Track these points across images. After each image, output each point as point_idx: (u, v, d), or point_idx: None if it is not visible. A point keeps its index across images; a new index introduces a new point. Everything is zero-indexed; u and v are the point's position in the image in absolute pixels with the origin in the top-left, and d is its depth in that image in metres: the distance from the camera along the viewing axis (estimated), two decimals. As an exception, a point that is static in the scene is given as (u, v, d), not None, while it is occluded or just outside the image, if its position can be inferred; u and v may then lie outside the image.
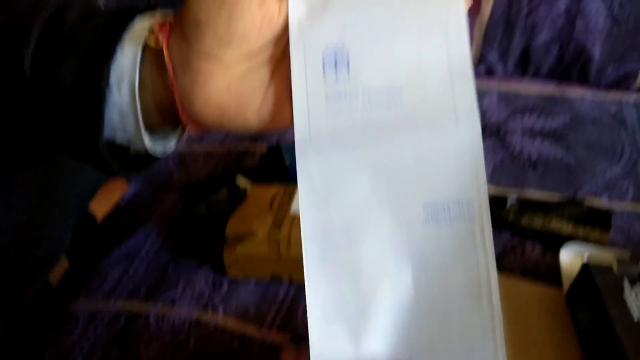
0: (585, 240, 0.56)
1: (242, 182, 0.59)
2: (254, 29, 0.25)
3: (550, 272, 0.55)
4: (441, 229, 0.26)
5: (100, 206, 0.67)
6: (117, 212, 0.67)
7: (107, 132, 0.27)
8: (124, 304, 0.55)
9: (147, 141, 0.28)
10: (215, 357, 0.49)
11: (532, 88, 0.83)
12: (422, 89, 0.26)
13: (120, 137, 0.28)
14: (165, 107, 0.27)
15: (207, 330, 0.51)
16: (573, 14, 0.78)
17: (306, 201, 0.26)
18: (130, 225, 0.64)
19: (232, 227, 0.53)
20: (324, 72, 0.26)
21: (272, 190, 0.56)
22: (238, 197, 0.60)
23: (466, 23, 0.27)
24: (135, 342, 0.51)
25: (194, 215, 0.61)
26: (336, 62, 0.27)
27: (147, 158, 0.30)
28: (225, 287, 0.55)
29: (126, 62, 0.26)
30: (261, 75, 0.27)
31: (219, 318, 0.52)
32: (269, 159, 0.64)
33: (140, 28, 0.26)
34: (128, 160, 0.29)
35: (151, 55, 0.26)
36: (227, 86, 0.26)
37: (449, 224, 0.26)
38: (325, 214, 0.26)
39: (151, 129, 0.28)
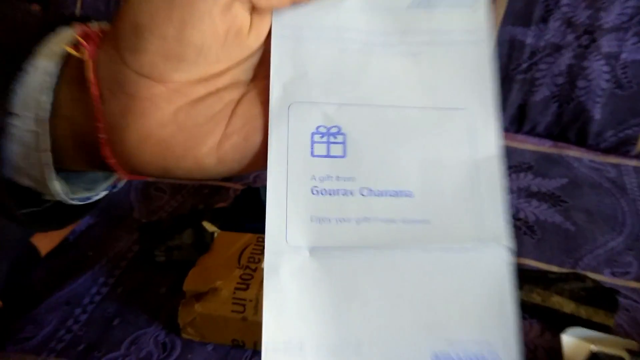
0: (589, 320, 0.51)
1: (209, 227, 0.52)
2: (215, 43, 0.19)
3: (549, 356, 0.49)
4: None
5: (46, 238, 0.59)
6: (64, 246, 0.59)
7: (7, 172, 0.20)
8: (56, 361, 0.47)
9: (58, 187, 0.21)
10: None
11: (527, 145, 0.79)
12: (437, 197, 0.20)
13: (24, 180, 0.21)
14: (87, 143, 0.20)
15: (150, 403, 0.43)
16: (575, 72, 0.75)
17: (270, 329, 0.19)
18: (77, 264, 0.56)
19: (192, 281, 0.46)
20: (311, 155, 0.20)
21: (242, 240, 0.50)
22: (204, 243, 0.53)
23: (495, 116, 0.21)
24: (64, 410, 0.43)
25: (150, 260, 0.54)
26: (329, 146, 0.20)
27: (71, 208, 0.23)
28: (177, 350, 0.47)
29: (36, 81, 0.19)
30: (223, 103, 0.20)
31: (167, 388, 0.44)
32: (242, 201, 0.58)
33: (62, 39, 0.20)
34: (43, 209, 0.23)
35: (72, 73, 0.20)
36: (174, 116, 0.20)
37: None
38: (291, 349, 0.19)
39: (70, 171, 0.22)
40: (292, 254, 0.19)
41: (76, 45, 0.20)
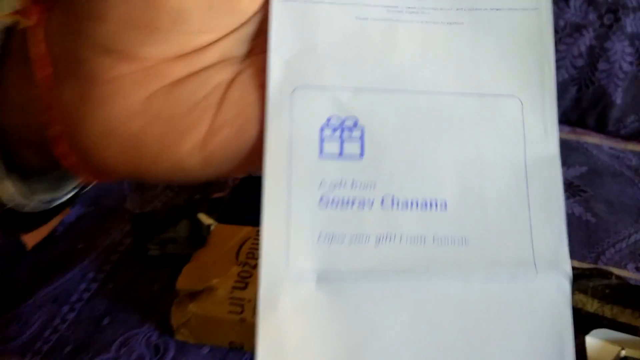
0: (614, 320, 0.47)
1: (205, 220, 0.49)
2: (198, 6, 0.15)
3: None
4: None
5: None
6: (52, 239, 0.56)
7: None
8: (41, 362, 0.44)
9: (11, 189, 0.18)
10: None
11: (543, 131, 0.75)
12: (478, 209, 0.16)
13: None
14: (40, 137, 0.17)
15: (141, 410, 0.40)
16: (596, 54, 0.71)
17: None
18: (65, 258, 0.53)
19: (186, 279, 0.42)
20: (320, 155, 0.16)
21: (241, 234, 0.46)
22: (200, 237, 0.49)
23: (554, 105, 0.17)
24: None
25: (143, 254, 0.50)
26: (343, 143, 0.16)
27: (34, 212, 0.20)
28: (171, 352, 0.44)
29: None
30: (210, 86, 0.16)
31: (159, 394, 0.41)
32: (241, 191, 0.54)
33: (4, 5, 0.16)
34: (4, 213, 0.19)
35: (19, 47, 0.16)
36: (146, 104, 0.16)
37: None
38: None
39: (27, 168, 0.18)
40: (294, 283, 0.15)
41: (22, 11, 0.16)
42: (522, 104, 0.17)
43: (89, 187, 0.21)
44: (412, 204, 0.16)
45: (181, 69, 0.16)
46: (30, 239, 0.55)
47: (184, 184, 0.48)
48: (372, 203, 0.16)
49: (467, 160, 0.16)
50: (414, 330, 0.15)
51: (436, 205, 0.16)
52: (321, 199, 0.16)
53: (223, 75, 0.17)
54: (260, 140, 0.16)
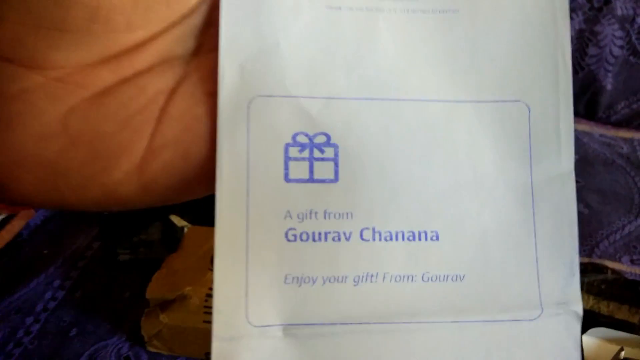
0: (610, 318, 0.45)
1: (178, 222, 0.46)
2: None
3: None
4: None
5: (-4, 235, 0.52)
6: (16, 244, 0.52)
7: None
8: (3, 380, 0.41)
9: None
10: None
11: (532, 119, 0.73)
12: (475, 239, 0.14)
13: None
14: None
15: None
16: (585, 38, 0.68)
17: None
18: (30, 265, 0.50)
19: (157, 287, 0.39)
20: (286, 180, 0.13)
21: (216, 236, 0.43)
22: (173, 239, 0.46)
23: (571, 112, 0.15)
24: None
25: (113, 259, 0.47)
26: (312, 165, 0.13)
27: None
28: (143, 366, 0.41)
29: None
30: (146, 96, 0.13)
31: (130, 412, 0.38)
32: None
33: None
34: None
35: None
36: (64, 123, 0.13)
37: None
38: None
39: None
40: (256, 339, 0.13)
41: None
42: (529, 110, 0.14)
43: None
44: (396, 236, 0.13)
45: (107, 77, 0.13)
46: (-7, 245, 0.52)
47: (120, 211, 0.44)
48: (350, 236, 0.13)
49: (462, 183, 0.14)
50: None
51: (426, 237, 0.13)
52: (287, 234, 0.13)
53: (162, 81, 0.14)
54: (211, 163, 0.13)
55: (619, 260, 0.52)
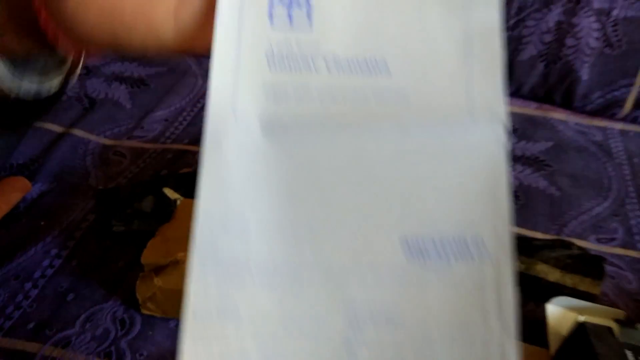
0: (574, 290, 0.48)
1: (171, 194, 0.48)
2: None
3: (532, 325, 0.47)
4: (428, 273, 0.16)
5: (-6, 207, 0.54)
6: (14, 216, 0.54)
7: None
8: (3, 340, 0.43)
9: (1, 68, 0.19)
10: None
11: (511, 107, 0.75)
12: (419, 67, 0.17)
13: None
14: (25, 13, 0.18)
15: (106, 385, 0.39)
16: (563, 29, 0.71)
17: (208, 201, 0.16)
18: (27, 235, 0.52)
19: (151, 253, 0.42)
20: (270, 13, 0.16)
21: (207, 208, 0.45)
22: (166, 211, 0.48)
23: None
24: (12, 392, 0.39)
25: (108, 230, 0.49)
26: (291, 1, 0.16)
27: (20, 104, 0.20)
28: (137, 327, 0.43)
29: None
30: None
31: (125, 369, 0.40)
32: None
33: None
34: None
35: None
36: None
37: (444, 268, 0.16)
38: (230, 237, 0.16)
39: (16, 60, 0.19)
40: (239, 127, 0.16)
41: None
42: None
43: (74, 78, 0.21)
44: (354, 63, 0.16)
45: None
46: (-9, 216, 0.54)
47: (158, 57, 0.46)
48: (315, 61, 0.16)
49: (411, 24, 0.17)
50: (352, 174, 0.16)
51: (378, 64, 0.16)
52: (268, 55, 0.16)
53: None
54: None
55: (587, 239, 0.56)
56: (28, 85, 0.20)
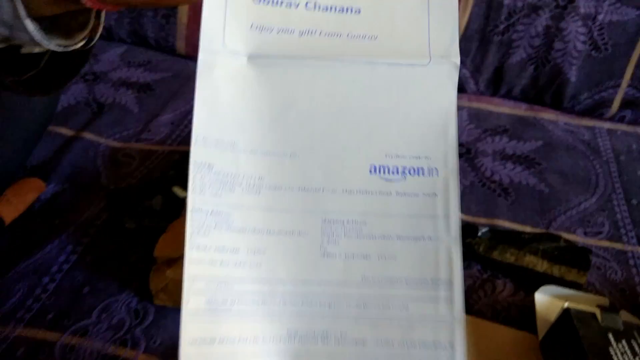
0: (561, 280, 0.51)
1: (180, 193, 0.51)
2: None
3: (522, 314, 0.50)
4: (389, 188, 0.19)
5: (10, 207, 0.56)
6: (29, 215, 0.56)
7: None
8: (25, 330, 0.45)
9: (31, 27, 0.20)
10: (131, 403, 0.40)
11: (503, 108, 0.78)
12: (387, 14, 0.20)
13: None
14: None
15: (123, 370, 0.42)
16: (551, 33, 0.75)
17: (202, 124, 0.19)
18: (43, 233, 0.54)
19: (163, 247, 0.44)
20: None
21: (215, 204, 0.48)
22: (175, 209, 0.51)
23: None
24: (34, 379, 0.42)
25: (120, 227, 0.52)
26: None
27: (52, 72, 0.23)
28: (150, 317, 0.46)
29: None
30: None
31: (140, 355, 0.43)
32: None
33: None
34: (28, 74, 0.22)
35: None
36: None
37: (401, 182, 0.19)
38: (222, 154, 0.19)
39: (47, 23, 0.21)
40: (228, 57, 0.19)
41: None
42: None
43: (96, 36, 0.24)
44: (331, 8, 0.19)
45: None
46: (8, 216, 0.56)
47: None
48: (298, 4, 0.19)
49: None
50: (327, 102, 0.19)
51: (351, 10, 0.19)
52: None
53: None
54: None
55: (574, 233, 0.58)
56: (55, 46, 0.23)
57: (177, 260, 0.44)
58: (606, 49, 0.74)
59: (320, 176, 0.19)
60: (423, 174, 0.19)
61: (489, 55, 0.77)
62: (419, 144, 0.19)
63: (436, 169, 0.19)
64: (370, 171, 0.19)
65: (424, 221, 0.19)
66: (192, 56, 0.85)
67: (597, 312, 0.44)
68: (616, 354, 0.39)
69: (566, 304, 0.44)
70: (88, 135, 0.67)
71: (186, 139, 0.68)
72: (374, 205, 0.19)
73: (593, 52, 0.74)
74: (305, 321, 0.19)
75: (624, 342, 0.40)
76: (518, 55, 0.76)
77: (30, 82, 0.23)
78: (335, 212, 0.19)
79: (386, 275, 0.19)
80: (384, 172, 0.19)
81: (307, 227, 0.19)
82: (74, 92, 0.74)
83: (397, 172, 0.19)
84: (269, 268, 0.19)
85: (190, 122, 0.71)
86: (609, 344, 0.40)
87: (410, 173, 0.19)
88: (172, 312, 0.46)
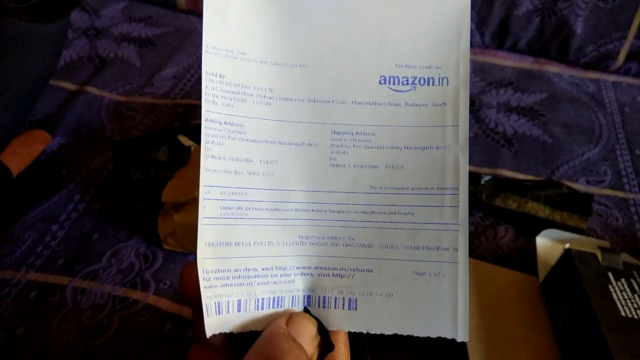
0: (563, 225, 0.52)
1: (185, 141, 0.51)
2: None
3: (523, 258, 0.51)
4: (399, 98, 0.20)
5: (17, 158, 0.57)
6: (36, 166, 0.57)
7: None
8: (36, 275, 0.47)
9: None
10: (143, 341, 0.41)
11: (508, 61, 0.78)
12: None
13: None
14: None
15: (134, 310, 0.43)
16: (558, -17, 0.73)
17: (212, 34, 0.19)
18: (51, 183, 0.55)
19: (170, 192, 0.45)
20: None
21: (220, 151, 0.48)
22: (180, 159, 0.51)
23: None
24: (48, 319, 0.43)
25: (127, 177, 0.52)
26: None
27: None
28: (159, 261, 0.47)
29: None
30: None
31: (149, 297, 0.44)
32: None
33: None
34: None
35: None
36: None
37: (411, 92, 0.20)
38: (233, 64, 0.19)
39: None
40: None
41: None
42: None
43: None
44: None
45: None
46: (15, 168, 0.57)
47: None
48: None
49: None
50: (337, 12, 0.19)
51: None
52: None
53: None
54: None
55: (576, 181, 0.59)
56: None
57: (184, 205, 0.45)
58: (613, 0, 0.73)
59: (330, 87, 0.19)
60: (433, 83, 0.19)
61: (495, 7, 0.76)
62: (431, 53, 0.19)
63: (447, 78, 0.19)
64: (380, 82, 0.19)
65: (432, 131, 0.19)
66: (193, 11, 0.84)
67: (598, 252, 0.44)
68: (615, 291, 0.40)
69: (567, 245, 0.45)
70: (91, 89, 0.66)
71: (189, 93, 0.68)
72: (383, 117, 0.19)
73: (600, 3, 0.73)
74: (316, 227, 0.19)
75: (623, 280, 0.41)
76: (524, 7, 0.75)
77: (33, 8, 0.23)
78: (345, 123, 0.19)
79: (393, 184, 0.19)
80: (394, 83, 0.19)
81: (316, 139, 0.19)
82: (75, 48, 0.74)
83: (407, 83, 0.19)
84: (281, 177, 0.19)
85: (192, 76, 0.71)
86: (609, 281, 0.41)
87: (420, 83, 0.19)
88: (180, 256, 0.47)
